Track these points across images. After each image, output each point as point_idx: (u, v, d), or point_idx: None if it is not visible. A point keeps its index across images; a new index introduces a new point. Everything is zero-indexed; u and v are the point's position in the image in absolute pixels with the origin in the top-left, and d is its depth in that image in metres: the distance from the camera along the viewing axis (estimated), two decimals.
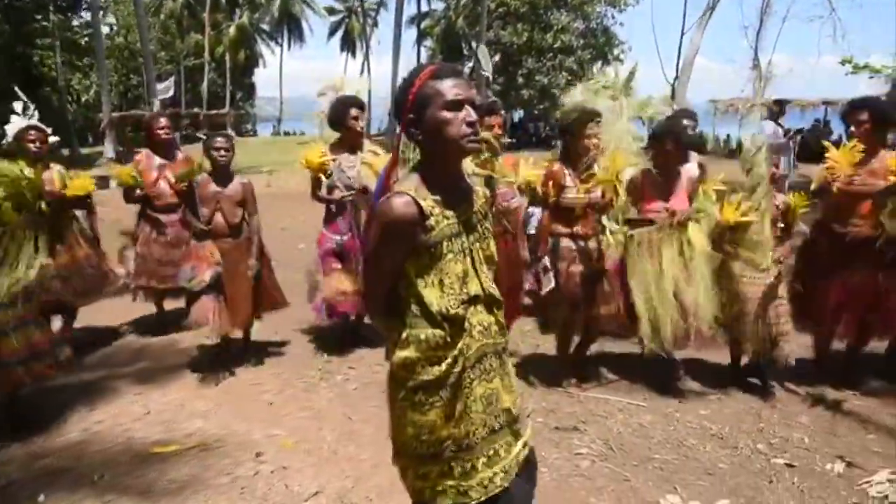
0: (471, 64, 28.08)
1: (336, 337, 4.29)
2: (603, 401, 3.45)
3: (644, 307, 3.26)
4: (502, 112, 3.71)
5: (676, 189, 3.43)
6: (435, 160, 1.59)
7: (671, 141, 3.36)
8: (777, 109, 7.19)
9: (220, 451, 2.98)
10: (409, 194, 1.52)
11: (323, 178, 3.97)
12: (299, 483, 2.70)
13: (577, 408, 3.37)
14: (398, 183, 1.59)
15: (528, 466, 1.74)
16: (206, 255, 3.65)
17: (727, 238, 3.32)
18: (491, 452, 1.64)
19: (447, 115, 1.52)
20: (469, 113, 1.53)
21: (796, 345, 3.75)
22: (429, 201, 1.54)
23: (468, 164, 1.74)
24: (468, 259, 1.60)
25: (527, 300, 3.65)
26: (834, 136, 11.92)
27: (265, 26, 46.66)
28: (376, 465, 2.73)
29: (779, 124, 7.11)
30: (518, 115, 30.00)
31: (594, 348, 3.85)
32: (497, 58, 26.18)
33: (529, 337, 4.41)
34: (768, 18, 23.25)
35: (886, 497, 2.56)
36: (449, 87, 1.52)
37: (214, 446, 3.02)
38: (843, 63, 19.58)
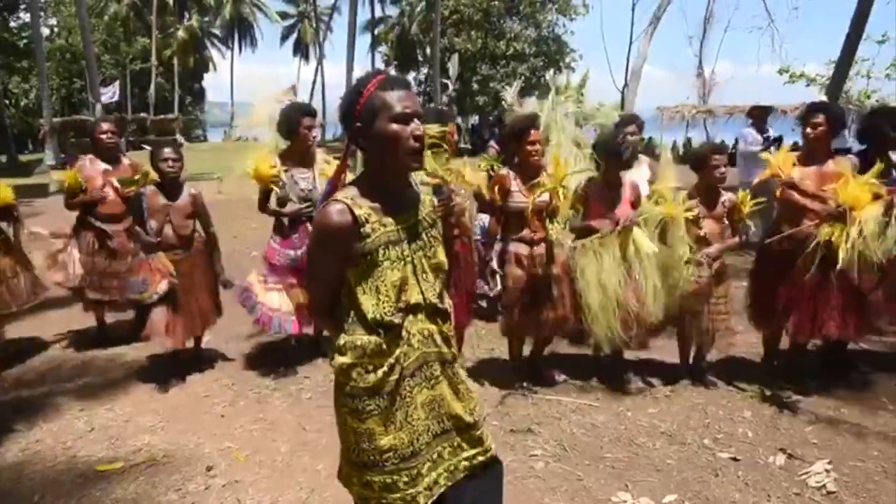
0: (426, 70, 28.24)
1: (290, 347, 4.21)
2: (556, 402, 3.51)
3: (593, 309, 3.33)
4: (457, 120, 3.74)
5: (621, 198, 3.52)
6: (380, 169, 1.60)
7: (611, 156, 3.44)
8: (757, 115, 7.25)
9: (169, 466, 2.89)
10: (345, 202, 1.53)
11: (276, 189, 3.79)
12: (252, 496, 2.65)
13: (531, 410, 3.42)
14: (339, 191, 1.60)
15: (489, 475, 1.73)
16: (159, 267, 3.54)
17: (671, 231, 3.43)
18: (435, 456, 1.65)
19: (395, 127, 1.52)
20: (417, 126, 1.54)
21: (743, 342, 3.91)
22: (365, 209, 1.54)
23: (415, 174, 1.74)
24: (408, 267, 1.60)
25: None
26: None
27: (216, 30, 45.71)
28: (331, 475, 2.67)
29: (762, 131, 7.22)
30: (473, 120, 30.28)
31: (547, 350, 3.91)
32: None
33: (484, 341, 4.44)
34: (711, 29, 24.25)
35: (824, 486, 2.68)
36: (397, 100, 1.53)
37: (163, 462, 2.93)
38: (780, 72, 20.55)
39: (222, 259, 4.04)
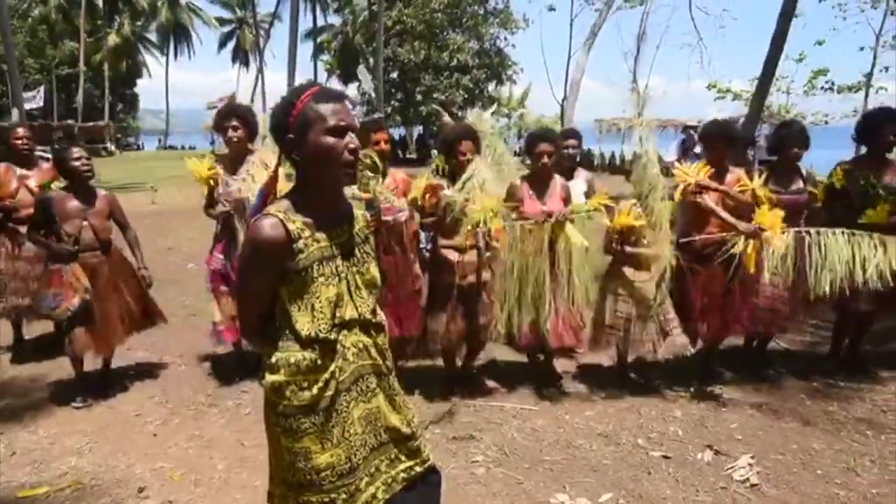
0: (370, 79, 28.16)
1: (228, 361, 4.11)
2: (498, 408, 3.56)
3: (517, 300, 3.43)
4: (387, 128, 3.78)
5: (551, 193, 3.66)
6: (313, 183, 1.57)
7: (547, 143, 3.59)
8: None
9: (98, 489, 2.77)
10: (277, 216, 1.50)
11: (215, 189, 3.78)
12: None
13: (473, 417, 3.46)
14: (271, 204, 1.57)
15: (426, 485, 1.74)
16: (71, 281, 3.37)
17: (618, 241, 3.59)
18: (373, 470, 1.64)
19: (330, 140, 1.50)
20: (352, 139, 1.52)
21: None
22: (298, 224, 1.51)
23: (350, 188, 1.72)
24: (343, 283, 1.58)
25: None
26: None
27: (150, 35, 44.22)
28: None
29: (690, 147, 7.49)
30: (417, 130, 30.39)
31: (485, 358, 3.96)
32: (395, 74, 26.46)
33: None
34: (644, 45, 25.33)
35: (748, 480, 2.83)
36: (332, 112, 1.50)
37: (90, 485, 2.80)
38: (709, 88, 21.69)
39: (157, 273, 3.91)
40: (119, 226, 3.75)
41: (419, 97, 25.44)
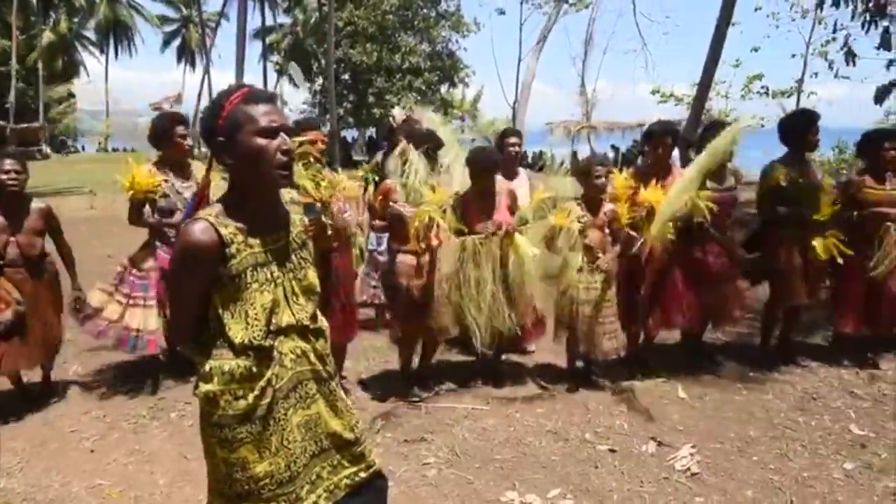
0: (321, 81, 27.86)
1: (170, 372, 3.97)
2: (449, 409, 3.57)
3: (471, 310, 3.46)
4: (321, 127, 3.74)
5: (497, 205, 3.68)
6: (246, 187, 1.54)
7: (483, 169, 3.61)
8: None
9: None
10: (209, 220, 1.46)
11: (158, 199, 3.67)
12: None
13: (424, 419, 3.45)
14: (203, 208, 1.53)
15: (371, 490, 1.73)
16: (2, 294, 3.21)
17: (558, 239, 3.63)
18: (314, 477, 1.62)
19: (260, 142, 1.47)
20: (284, 140, 1.49)
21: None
22: (230, 228, 1.48)
23: (285, 192, 1.68)
24: (279, 290, 1.55)
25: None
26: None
27: (88, 33, 42.42)
28: None
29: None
30: (370, 132, 30.20)
31: (436, 358, 3.97)
32: (347, 76, 26.23)
33: (381, 353, 4.43)
34: (591, 50, 25.96)
35: (689, 469, 2.93)
36: (262, 113, 1.48)
37: None
38: (653, 92, 22.37)
39: (95, 282, 3.76)
40: (55, 240, 3.58)
41: (371, 99, 25.30)
